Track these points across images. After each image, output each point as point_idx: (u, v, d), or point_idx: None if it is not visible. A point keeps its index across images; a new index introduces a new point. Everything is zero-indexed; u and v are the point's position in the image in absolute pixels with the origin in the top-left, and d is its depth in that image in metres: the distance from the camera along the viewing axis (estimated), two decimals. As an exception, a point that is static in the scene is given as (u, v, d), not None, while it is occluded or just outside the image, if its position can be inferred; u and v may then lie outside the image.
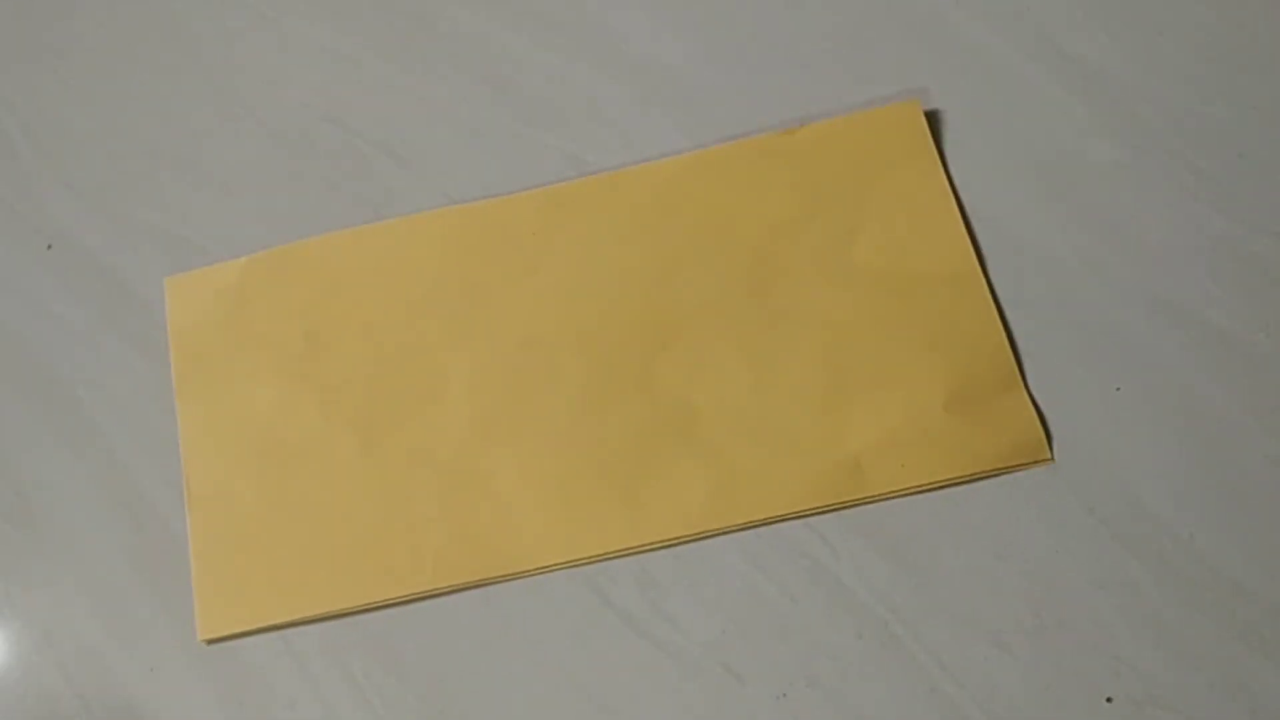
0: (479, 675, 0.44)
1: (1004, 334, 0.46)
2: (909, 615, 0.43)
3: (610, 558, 0.45)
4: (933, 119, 0.50)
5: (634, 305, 0.49)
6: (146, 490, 0.48)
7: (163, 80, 0.56)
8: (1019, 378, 0.46)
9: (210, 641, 0.46)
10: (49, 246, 0.53)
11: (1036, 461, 0.45)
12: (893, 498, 0.45)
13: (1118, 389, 0.46)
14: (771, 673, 0.43)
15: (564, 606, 0.45)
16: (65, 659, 0.46)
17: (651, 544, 0.45)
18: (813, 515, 0.45)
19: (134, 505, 0.48)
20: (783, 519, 0.45)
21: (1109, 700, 0.41)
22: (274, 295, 0.50)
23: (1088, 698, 0.41)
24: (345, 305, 0.50)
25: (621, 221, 0.50)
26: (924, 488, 0.45)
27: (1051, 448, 0.45)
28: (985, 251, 0.48)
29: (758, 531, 0.45)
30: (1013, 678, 0.42)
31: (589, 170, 0.51)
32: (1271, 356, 0.46)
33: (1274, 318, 0.46)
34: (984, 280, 0.47)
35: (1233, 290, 0.46)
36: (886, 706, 0.42)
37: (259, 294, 0.51)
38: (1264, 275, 0.47)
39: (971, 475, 0.45)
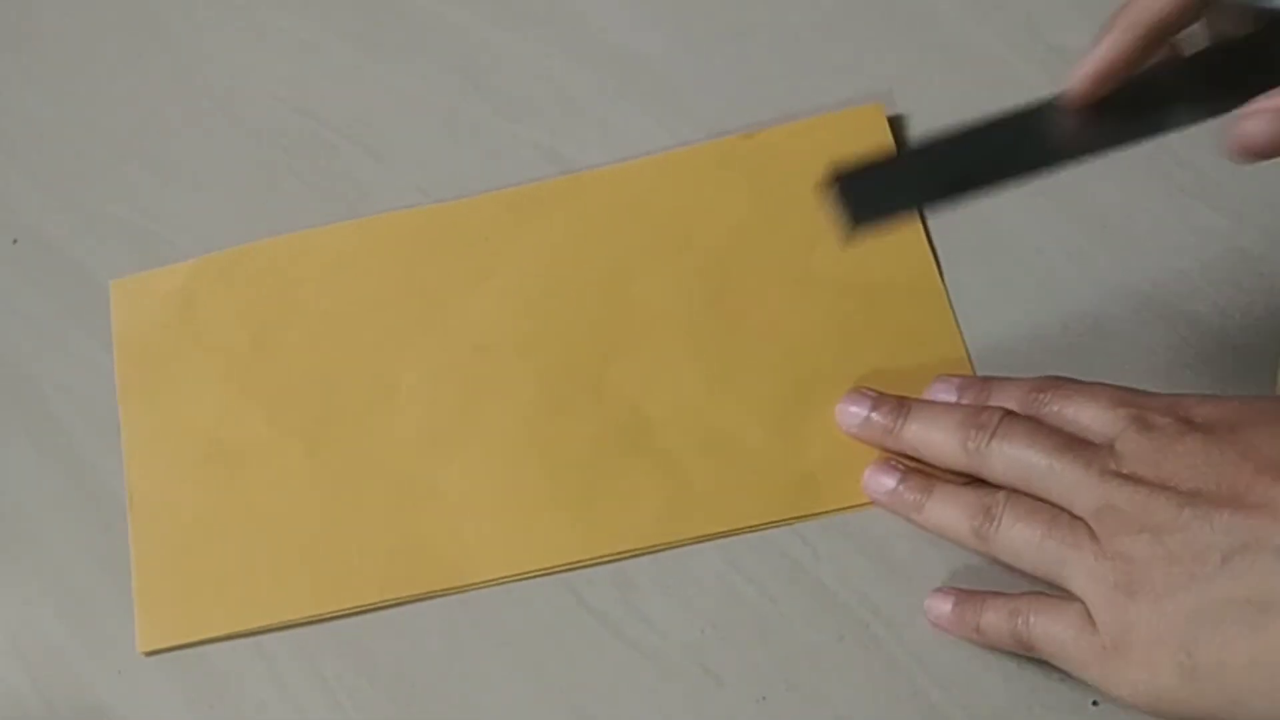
0: (453, 678, 0.44)
1: (962, 344, 0.46)
2: (891, 617, 0.43)
3: (558, 571, 0.45)
4: (911, 115, 0.50)
5: (588, 312, 0.48)
6: (114, 490, 0.48)
7: (131, 72, 0.55)
8: None
9: (150, 653, 0.45)
10: (14, 241, 0.52)
11: None
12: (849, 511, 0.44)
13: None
14: (751, 675, 0.43)
15: (540, 609, 0.44)
16: (31, 662, 0.46)
17: (602, 557, 0.45)
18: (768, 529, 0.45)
19: (102, 505, 0.47)
20: (735, 533, 0.45)
21: (1095, 704, 0.41)
22: (221, 298, 0.50)
23: (1072, 701, 0.41)
24: (294, 309, 0.49)
25: (577, 226, 0.49)
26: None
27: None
28: (966, 250, 0.48)
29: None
30: (996, 680, 0.41)
31: (564, 164, 0.51)
32: (1261, 353, 0.45)
33: (1263, 313, 0.46)
34: (943, 290, 0.47)
35: (1221, 285, 0.46)
36: (868, 709, 0.42)
37: (206, 297, 0.50)
38: (1252, 269, 0.46)
39: None
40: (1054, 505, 0.39)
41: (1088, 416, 0.39)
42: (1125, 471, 0.37)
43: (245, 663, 0.45)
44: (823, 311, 0.47)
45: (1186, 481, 0.36)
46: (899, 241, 0.48)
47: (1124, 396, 0.39)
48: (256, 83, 0.54)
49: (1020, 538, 0.39)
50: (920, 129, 0.50)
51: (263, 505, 0.46)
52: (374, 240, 0.50)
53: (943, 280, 0.47)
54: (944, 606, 0.41)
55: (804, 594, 0.43)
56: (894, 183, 0.41)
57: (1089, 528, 0.37)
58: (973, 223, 0.48)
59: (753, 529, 0.44)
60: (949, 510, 0.41)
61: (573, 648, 0.44)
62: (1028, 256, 0.47)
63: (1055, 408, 0.40)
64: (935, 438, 0.42)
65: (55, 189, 0.53)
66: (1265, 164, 0.47)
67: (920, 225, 0.48)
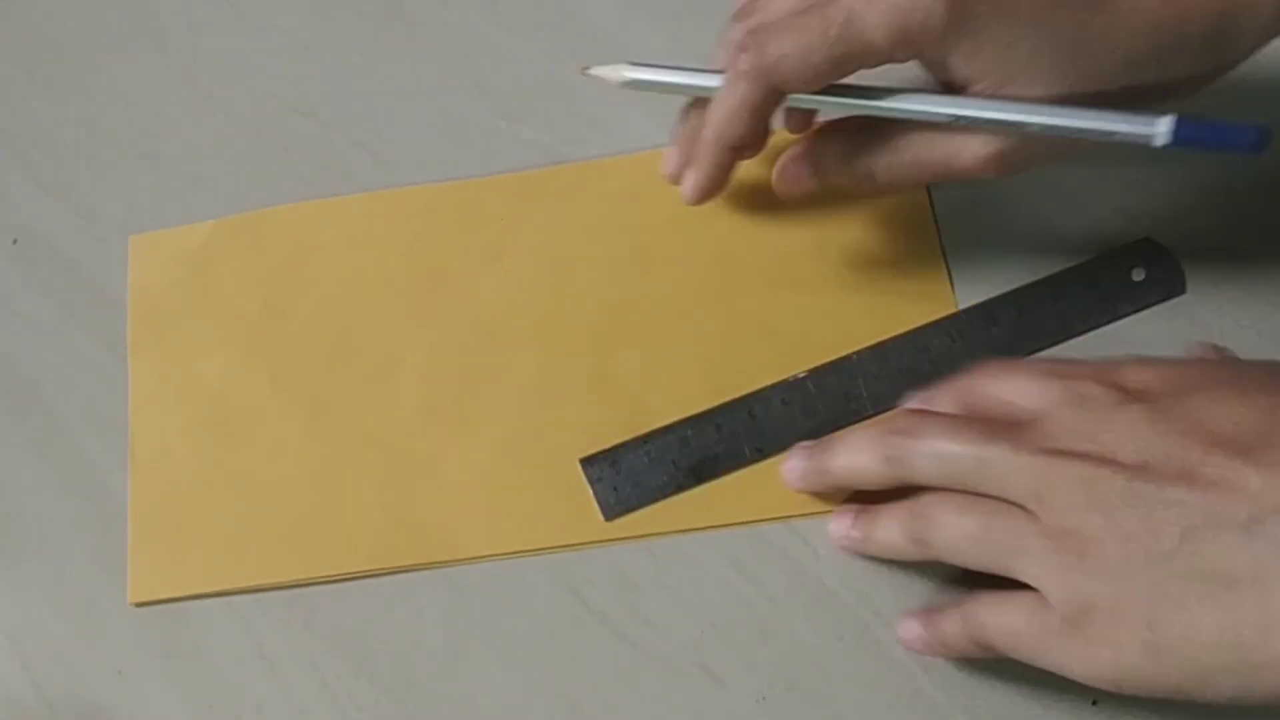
0: (453, 677, 0.44)
1: None
2: (891, 617, 0.43)
3: (548, 552, 0.45)
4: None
5: (595, 298, 0.48)
6: (114, 489, 0.48)
7: (130, 72, 0.55)
8: None
9: (140, 604, 0.45)
10: (14, 241, 0.52)
11: None
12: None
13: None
14: (751, 675, 0.43)
15: (540, 608, 0.44)
16: (30, 662, 0.46)
17: (590, 542, 0.45)
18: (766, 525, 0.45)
19: (101, 504, 0.47)
20: (732, 527, 0.45)
21: (1094, 703, 0.41)
22: (237, 261, 0.50)
23: (1072, 701, 0.41)
24: (307, 277, 0.50)
25: (590, 212, 0.49)
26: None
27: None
28: (975, 250, 0.47)
29: (736, 531, 0.45)
30: (996, 681, 0.42)
31: (565, 163, 0.51)
32: (1262, 354, 0.45)
33: (1263, 314, 0.46)
34: (952, 294, 0.47)
35: (1221, 285, 0.46)
36: (868, 710, 0.42)
37: (223, 258, 0.50)
38: (1254, 270, 0.46)
39: None
40: (989, 496, 0.38)
41: (1017, 393, 0.39)
42: (1061, 448, 0.36)
43: (244, 662, 0.45)
44: (828, 308, 0.47)
45: (1131, 454, 0.35)
46: (908, 240, 0.48)
47: (1053, 368, 0.39)
48: (256, 83, 0.54)
49: (959, 534, 0.38)
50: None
51: (261, 468, 0.47)
52: (391, 212, 0.50)
53: (950, 281, 0.47)
54: (914, 630, 0.41)
55: (804, 594, 0.43)
56: (641, 468, 0.45)
57: (1028, 511, 0.37)
58: (983, 224, 0.48)
59: (751, 524, 0.45)
60: (888, 529, 0.40)
61: (573, 648, 0.44)
62: (1041, 265, 0.47)
63: (984, 388, 0.40)
64: (859, 461, 0.41)
65: (55, 189, 0.53)
66: (1262, 161, 0.48)
67: (933, 225, 0.48)
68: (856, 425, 0.45)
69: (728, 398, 0.46)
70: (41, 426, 0.49)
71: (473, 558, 0.45)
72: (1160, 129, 0.39)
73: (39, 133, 0.54)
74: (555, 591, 0.45)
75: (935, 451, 0.38)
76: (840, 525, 0.43)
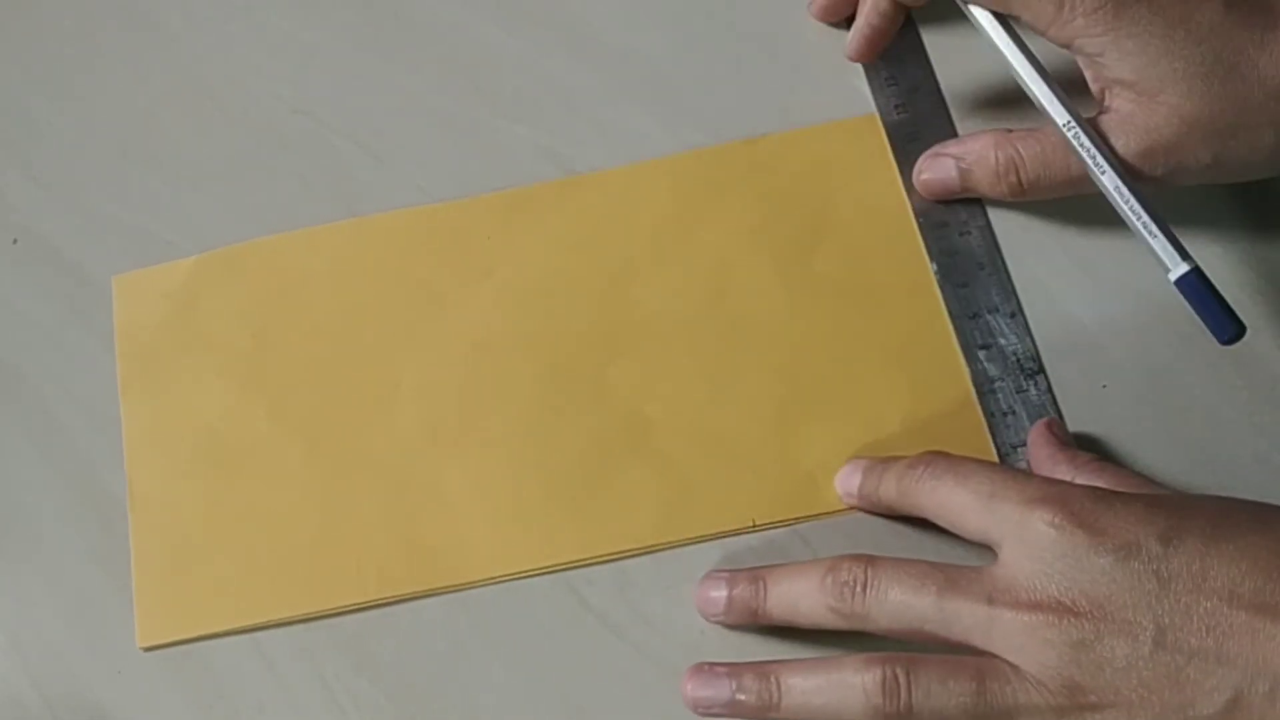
0: (454, 679, 0.44)
1: (959, 352, 0.46)
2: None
3: (556, 570, 0.45)
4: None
5: (589, 312, 0.48)
6: (114, 489, 0.47)
7: (130, 72, 0.55)
8: (973, 396, 0.46)
9: (149, 649, 0.45)
10: (14, 241, 0.52)
11: None
12: (848, 513, 0.45)
13: (1104, 386, 0.45)
14: (751, 675, 0.43)
15: (540, 609, 0.44)
16: (31, 663, 0.46)
17: (600, 557, 0.45)
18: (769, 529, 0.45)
19: (102, 505, 0.47)
20: (735, 534, 0.45)
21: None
22: (223, 295, 0.50)
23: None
24: (296, 307, 0.49)
25: (579, 227, 0.49)
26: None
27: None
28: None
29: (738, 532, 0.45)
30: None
31: (564, 164, 0.51)
32: (1260, 352, 0.45)
33: (1264, 313, 0.46)
34: (939, 296, 0.47)
35: (1220, 284, 0.46)
36: (868, 710, 0.42)
37: (208, 294, 0.50)
38: (1253, 270, 0.46)
39: None
40: (954, 653, 0.37)
41: (968, 516, 0.38)
42: (1040, 599, 0.35)
43: (245, 663, 0.45)
44: (821, 314, 0.47)
45: (1128, 609, 0.34)
46: (896, 246, 0.48)
47: (1004, 487, 0.37)
48: (256, 83, 0.54)
49: (950, 705, 0.36)
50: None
51: (263, 502, 0.46)
52: (376, 238, 0.50)
53: (938, 283, 0.47)
54: None
55: (804, 594, 0.43)
56: None
57: (1010, 664, 0.35)
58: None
59: (751, 530, 0.45)
60: (848, 699, 0.37)
61: (573, 648, 0.44)
62: (1025, 258, 0.47)
63: (930, 484, 0.39)
64: (802, 608, 0.39)
65: (55, 189, 0.53)
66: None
67: (915, 230, 0.48)
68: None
69: (726, 403, 0.46)
70: (41, 427, 0.49)
71: (482, 580, 0.45)
72: (1177, 270, 0.42)
73: (39, 132, 0.54)
74: (555, 591, 0.45)
75: (895, 605, 0.37)
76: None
